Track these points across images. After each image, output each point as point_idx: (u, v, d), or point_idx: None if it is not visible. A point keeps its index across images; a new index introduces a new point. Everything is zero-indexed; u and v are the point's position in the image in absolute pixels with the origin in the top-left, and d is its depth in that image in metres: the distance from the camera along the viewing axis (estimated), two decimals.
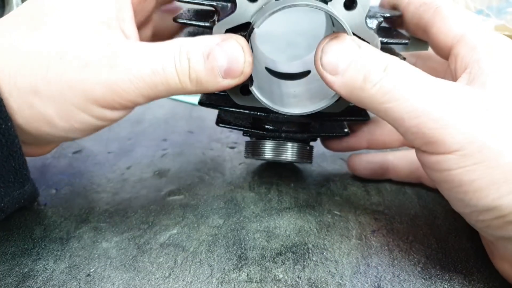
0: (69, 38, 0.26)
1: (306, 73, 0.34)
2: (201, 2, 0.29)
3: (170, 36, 0.36)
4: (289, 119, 0.33)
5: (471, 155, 0.24)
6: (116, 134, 0.43)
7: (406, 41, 0.30)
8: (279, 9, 0.26)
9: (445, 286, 0.28)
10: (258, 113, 0.32)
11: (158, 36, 0.35)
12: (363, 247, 0.31)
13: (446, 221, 0.34)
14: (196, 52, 0.27)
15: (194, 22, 0.30)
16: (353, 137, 0.37)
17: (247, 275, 0.29)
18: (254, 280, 0.28)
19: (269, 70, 0.35)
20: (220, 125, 0.35)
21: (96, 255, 0.30)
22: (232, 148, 0.43)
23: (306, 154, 0.36)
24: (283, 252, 0.31)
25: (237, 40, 0.27)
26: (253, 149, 0.36)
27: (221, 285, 0.28)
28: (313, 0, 0.27)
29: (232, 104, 0.32)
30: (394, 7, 0.33)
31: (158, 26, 0.35)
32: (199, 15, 0.31)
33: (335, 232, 0.32)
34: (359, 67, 0.26)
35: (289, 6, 0.26)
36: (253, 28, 0.27)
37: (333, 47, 0.27)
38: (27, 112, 0.26)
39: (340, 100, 0.30)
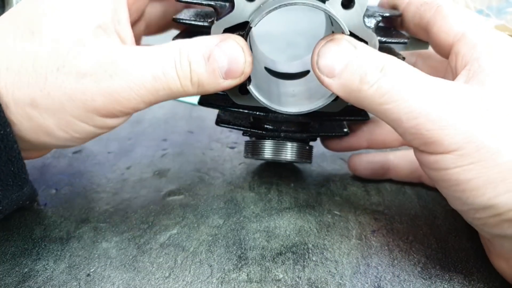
0: (66, 47, 0.25)
1: (305, 73, 0.34)
2: (199, 1, 0.29)
3: (163, 26, 0.36)
4: (289, 118, 0.33)
5: (468, 155, 0.24)
6: (116, 134, 0.43)
7: (405, 41, 0.30)
8: (276, 8, 0.26)
9: (445, 286, 0.28)
10: (257, 113, 0.32)
11: (151, 28, 0.35)
12: (363, 247, 0.31)
13: (446, 221, 0.34)
14: (197, 55, 0.26)
15: (193, 22, 0.30)
16: (353, 137, 0.37)
17: (247, 275, 0.29)
18: (254, 280, 0.28)
19: (268, 70, 0.35)
20: (220, 124, 0.35)
21: (96, 255, 0.30)
22: (232, 148, 0.43)
23: (305, 154, 0.36)
24: (283, 252, 0.31)
25: (236, 40, 0.27)
26: (252, 149, 0.36)
27: (221, 285, 0.28)
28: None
29: (231, 104, 0.32)
30: (394, 7, 0.33)
31: (150, 18, 0.35)
32: (199, 15, 0.31)
33: (335, 232, 0.32)
34: (355, 68, 0.26)
35: (286, 5, 0.26)
36: (250, 27, 0.27)
37: (328, 50, 0.27)
38: (25, 124, 0.26)
39: (339, 99, 0.30)
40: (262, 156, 0.35)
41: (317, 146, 0.38)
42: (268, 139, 0.35)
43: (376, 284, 0.28)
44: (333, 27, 0.31)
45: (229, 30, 0.28)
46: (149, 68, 0.26)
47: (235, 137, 0.44)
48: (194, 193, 0.36)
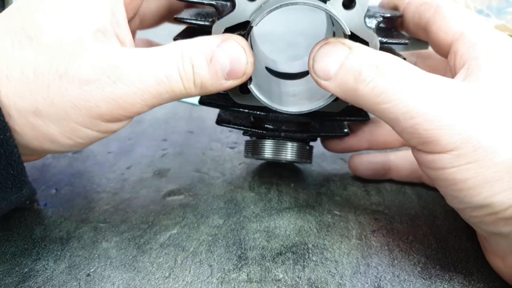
0: (67, 53, 0.25)
1: (306, 73, 0.34)
2: (201, 1, 0.29)
3: (157, 20, 0.36)
4: (289, 118, 0.33)
5: (465, 155, 0.24)
6: (116, 134, 0.43)
7: (406, 41, 0.30)
8: (277, 7, 0.26)
9: (445, 286, 0.28)
10: (258, 112, 0.32)
11: (145, 22, 0.35)
12: (363, 247, 0.31)
13: (446, 221, 0.34)
14: (199, 57, 0.26)
15: (194, 21, 0.30)
16: (354, 138, 0.37)
17: (247, 275, 0.29)
18: (254, 280, 0.28)
19: (269, 70, 0.35)
20: (221, 124, 0.35)
21: (96, 255, 0.30)
22: (232, 148, 0.43)
23: (305, 154, 0.36)
24: (283, 252, 0.31)
25: (238, 41, 0.27)
26: (253, 149, 0.36)
27: (221, 285, 0.28)
28: None
29: (232, 103, 0.32)
30: (394, 8, 0.33)
31: (144, 13, 0.35)
32: (200, 14, 0.31)
33: (335, 232, 0.32)
34: (349, 68, 0.26)
35: (287, 4, 0.26)
36: (251, 27, 0.27)
37: (323, 54, 0.27)
38: (29, 132, 0.25)
39: (339, 99, 0.30)
40: (263, 156, 0.35)
41: (317, 146, 0.38)
42: (269, 138, 0.35)
43: (376, 284, 0.28)
44: (334, 28, 0.31)
45: (230, 29, 0.28)
46: (152, 73, 0.25)
47: (235, 137, 0.44)
48: (194, 193, 0.36)
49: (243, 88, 0.30)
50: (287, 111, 0.30)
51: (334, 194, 0.37)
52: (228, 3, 0.29)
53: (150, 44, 0.38)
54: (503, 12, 0.50)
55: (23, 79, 0.24)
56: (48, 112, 0.25)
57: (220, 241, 0.31)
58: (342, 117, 0.34)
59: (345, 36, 0.28)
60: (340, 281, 0.28)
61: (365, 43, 0.28)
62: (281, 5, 0.26)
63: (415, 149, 0.26)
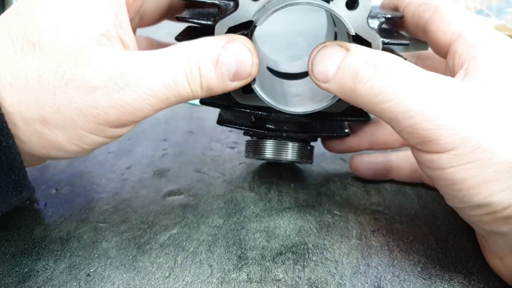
0: (72, 59, 0.24)
1: (307, 73, 0.34)
2: (204, 0, 0.29)
3: (156, 18, 0.35)
4: (290, 118, 0.33)
5: (464, 155, 0.24)
6: None
7: (407, 42, 0.30)
8: (282, 7, 0.26)
9: (445, 286, 0.28)
10: (260, 112, 0.32)
11: (144, 20, 0.35)
12: (363, 247, 0.31)
13: (446, 221, 0.34)
14: (206, 60, 0.26)
15: (196, 20, 0.30)
16: (354, 138, 0.37)
17: (247, 275, 0.29)
18: (254, 280, 0.28)
19: (270, 70, 0.35)
20: (222, 124, 0.35)
21: (96, 255, 0.30)
22: (232, 148, 0.43)
23: (306, 154, 0.36)
24: (283, 252, 0.31)
25: (243, 42, 0.27)
26: (254, 149, 0.36)
27: (221, 285, 0.28)
28: None
29: (233, 103, 0.32)
30: (395, 8, 0.33)
31: (144, 12, 0.35)
32: (202, 14, 0.31)
33: (335, 232, 0.32)
34: (346, 69, 0.26)
35: (292, 4, 0.26)
36: (255, 26, 0.27)
37: (321, 57, 0.27)
38: (35, 141, 0.25)
39: (341, 100, 0.30)
40: (264, 156, 0.35)
41: (318, 146, 0.38)
42: (270, 139, 0.35)
43: (376, 284, 0.28)
44: (336, 28, 0.31)
45: (232, 29, 0.28)
46: (160, 77, 0.25)
47: (235, 137, 0.44)
48: (194, 193, 0.36)
49: (246, 88, 0.30)
50: (291, 111, 0.30)
51: (334, 194, 0.37)
52: (231, 3, 0.29)
53: (150, 41, 0.38)
54: (503, 12, 0.50)
55: (28, 87, 0.24)
56: (55, 120, 0.24)
57: (220, 241, 0.31)
58: (343, 118, 0.34)
59: (349, 36, 0.28)
60: (340, 281, 0.28)
61: (368, 44, 0.28)
62: (286, 4, 0.26)
63: (414, 148, 0.26)
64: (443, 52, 0.29)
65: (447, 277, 0.29)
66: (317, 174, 0.39)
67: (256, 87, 0.29)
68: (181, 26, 0.33)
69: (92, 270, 0.29)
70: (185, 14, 0.30)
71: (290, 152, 0.35)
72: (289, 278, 0.29)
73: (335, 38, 0.33)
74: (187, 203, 0.35)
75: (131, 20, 0.31)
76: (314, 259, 0.30)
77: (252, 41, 0.28)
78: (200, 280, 0.28)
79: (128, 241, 0.31)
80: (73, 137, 0.25)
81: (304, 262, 0.30)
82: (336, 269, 0.29)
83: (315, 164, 0.40)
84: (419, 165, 0.27)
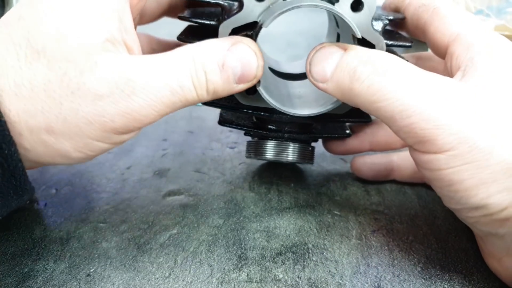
0: (77, 67, 0.24)
1: None
2: (208, 0, 0.29)
3: (156, 16, 0.35)
4: (292, 119, 0.33)
5: (461, 156, 0.24)
6: None
7: (410, 44, 0.30)
8: (289, 9, 0.26)
9: (445, 286, 0.28)
10: (262, 113, 0.32)
11: (144, 18, 0.34)
12: (363, 247, 0.31)
13: (446, 221, 0.34)
14: (212, 64, 0.26)
15: (199, 20, 0.29)
16: (356, 139, 0.37)
17: (247, 275, 0.29)
18: (254, 280, 0.28)
19: (272, 70, 0.35)
20: (223, 124, 0.35)
21: (96, 255, 0.30)
22: (232, 148, 0.43)
23: (307, 154, 0.36)
24: (283, 252, 0.31)
25: (248, 44, 0.27)
26: (255, 149, 0.36)
27: (221, 285, 0.28)
28: (322, 1, 0.27)
29: (235, 103, 0.32)
30: (396, 10, 0.33)
31: (144, 9, 0.34)
32: (204, 13, 0.31)
33: (335, 232, 0.32)
34: (344, 67, 0.26)
35: (298, 7, 0.26)
36: (261, 28, 0.27)
37: (318, 57, 0.27)
38: (40, 149, 0.25)
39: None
40: (266, 157, 0.35)
41: (318, 146, 0.38)
42: (272, 139, 0.35)
43: (376, 284, 0.28)
44: (338, 29, 0.31)
45: (236, 29, 0.28)
46: (166, 83, 0.25)
47: (235, 137, 0.44)
48: (194, 193, 0.36)
49: (249, 89, 0.30)
50: (296, 113, 0.30)
51: (334, 194, 0.37)
52: (236, 3, 0.28)
53: (150, 39, 0.37)
54: (503, 12, 0.50)
55: (33, 96, 0.24)
56: (61, 129, 0.24)
57: (220, 241, 0.31)
58: (344, 119, 0.34)
59: (354, 39, 0.28)
60: (340, 281, 0.28)
61: (371, 46, 0.28)
62: (293, 7, 0.26)
63: (412, 148, 0.26)
64: (441, 53, 0.29)
65: (447, 277, 0.29)
66: (317, 174, 0.39)
67: (261, 89, 0.29)
68: (181, 25, 0.32)
69: (92, 270, 0.29)
70: (187, 13, 0.30)
71: (291, 153, 0.35)
72: (289, 278, 0.29)
73: (338, 40, 0.33)
74: (187, 203, 0.35)
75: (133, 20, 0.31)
76: (314, 259, 0.30)
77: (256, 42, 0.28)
78: (200, 280, 0.28)
79: (128, 241, 0.31)
80: (79, 145, 0.25)
81: (304, 262, 0.30)
82: (336, 269, 0.29)
83: (315, 164, 0.40)
84: (417, 166, 0.27)
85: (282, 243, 0.31)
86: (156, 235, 0.32)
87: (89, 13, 0.25)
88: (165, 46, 0.37)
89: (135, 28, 0.35)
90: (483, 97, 0.24)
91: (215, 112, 0.36)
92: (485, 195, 0.24)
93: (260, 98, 0.30)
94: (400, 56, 0.31)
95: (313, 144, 0.37)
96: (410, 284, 0.28)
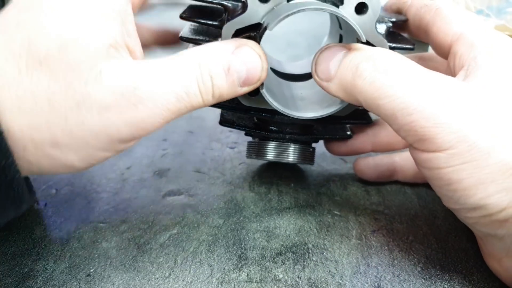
0: (82, 77, 0.23)
1: (311, 74, 0.34)
2: (211, 0, 0.29)
3: (143, 4, 0.33)
4: (293, 121, 0.32)
5: (460, 155, 0.24)
6: None
7: (412, 46, 0.30)
8: (294, 12, 0.26)
9: (445, 286, 0.28)
10: (264, 114, 0.32)
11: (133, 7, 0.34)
12: (363, 247, 0.31)
13: (446, 221, 0.34)
14: (217, 68, 0.26)
15: (201, 20, 0.29)
16: (358, 141, 0.36)
17: (247, 275, 0.29)
18: (254, 280, 0.28)
19: (274, 71, 0.34)
20: (224, 124, 0.35)
21: (96, 255, 0.30)
22: (232, 148, 0.43)
23: (308, 155, 0.36)
24: (283, 252, 0.31)
25: (253, 47, 0.27)
26: (255, 150, 0.36)
27: (221, 285, 0.28)
28: (326, 4, 0.27)
29: (236, 104, 0.32)
30: (398, 11, 0.33)
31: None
32: (205, 12, 0.30)
33: (335, 232, 0.32)
34: (347, 65, 0.26)
35: (304, 10, 0.26)
36: (265, 30, 0.27)
37: (323, 57, 0.27)
38: (45, 162, 0.24)
39: (348, 104, 0.30)
40: (266, 157, 0.35)
41: (318, 146, 0.38)
42: (272, 140, 0.35)
43: (376, 284, 0.28)
44: (341, 31, 0.31)
45: (239, 30, 0.28)
46: (172, 90, 0.25)
47: (235, 137, 0.44)
48: (194, 193, 0.36)
49: (252, 91, 0.30)
50: (300, 116, 0.30)
51: (334, 194, 0.37)
52: (239, 4, 0.28)
53: (140, 28, 0.36)
54: (503, 12, 0.50)
55: (37, 110, 0.22)
56: (67, 143, 0.23)
57: (220, 241, 0.31)
58: (345, 120, 0.34)
59: (358, 42, 0.28)
60: (340, 281, 0.28)
61: None
62: (298, 10, 0.26)
63: (412, 147, 0.26)
64: (444, 53, 0.29)
65: (447, 277, 0.29)
66: (317, 174, 0.39)
67: (264, 92, 0.29)
68: (181, 24, 0.32)
69: (92, 270, 0.29)
70: (188, 13, 0.30)
71: (292, 153, 0.35)
72: (289, 278, 0.29)
73: (340, 41, 0.33)
74: (187, 203, 0.35)
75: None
76: (314, 259, 0.30)
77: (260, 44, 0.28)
78: (200, 280, 0.28)
79: (128, 241, 0.31)
80: (84, 156, 0.25)
81: (304, 262, 0.30)
82: (336, 269, 0.29)
83: (315, 164, 0.40)
84: (416, 165, 0.27)
85: (282, 243, 0.31)
86: (156, 235, 0.32)
87: (92, 16, 0.24)
88: (152, 33, 0.36)
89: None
90: (484, 96, 0.24)
91: (215, 112, 0.36)
92: (484, 195, 0.24)
93: (262, 99, 0.29)
94: None
95: (313, 144, 0.37)
96: (410, 284, 0.28)
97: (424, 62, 0.34)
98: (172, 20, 0.35)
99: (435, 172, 0.25)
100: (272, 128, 0.34)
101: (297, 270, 0.29)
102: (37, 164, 0.24)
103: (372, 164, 0.37)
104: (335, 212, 0.34)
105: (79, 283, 0.28)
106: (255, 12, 0.27)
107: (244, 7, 0.27)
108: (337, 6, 0.27)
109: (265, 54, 0.27)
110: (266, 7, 0.27)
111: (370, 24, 0.28)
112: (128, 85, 0.23)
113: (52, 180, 0.38)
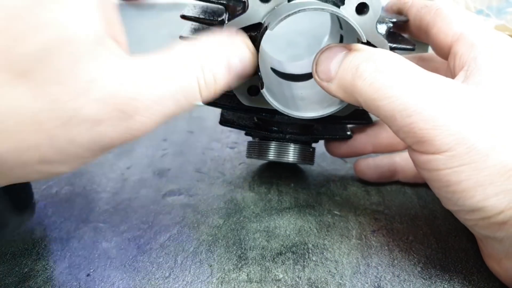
0: (71, 90, 0.20)
1: (312, 74, 0.34)
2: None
3: None
4: (294, 121, 0.32)
5: (459, 156, 0.24)
6: None
7: (413, 47, 0.30)
8: (295, 12, 0.26)
9: (445, 286, 0.28)
10: (264, 114, 0.32)
11: None
12: (363, 247, 0.31)
13: (446, 221, 0.34)
14: (221, 68, 0.25)
15: (203, 20, 0.29)
16: (358, 141, 0.36)
17: (247, 275, 0.29)
18: (254, 280, 0.28)
19: (274, 71, 0.34)
20: (224, 124, 0.35)
21: (96, 255, 0.30)
22: (232, 148, 0.43)
23: (308, 155, 0.36)
24: (283, 252, 0.31)
25: (243, 40, 0.27)
26: (256, 150, 0.36)
27: (221, 285, 0.28)
28: (327, 4, 0.27)
29: (236, 103, 0.32)
30: (398, 12, 0.33)
31: None
32: (206, 11, 0.30)
33: (335, 232, 0.32)
34: (347, 65, 0.26)
35: (304, 10, 0.26)
36: (266, 30, 0.27)
37: (324, 57, 0.27)
38: (34, 177, 0.22)
39: (348, 104, 0.30)
40: (266, 157, 0.35)
41: (318, 146, 0.38)
42: (273, 140, 0.35)
43: (376, 284, 0.28)
44: (342, 31, 0.31)
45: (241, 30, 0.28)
46: (171, 95, 0.23)
47: (235, 137, 0.44)
48: (194, 193, 0.36)
49: (252, 91, 0.30)
50: (300, 116, 0.30)
51: (334, 194, 0.37)
52: (240, 3, 0.28)
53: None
54: (503, 12, 0.50)
55: (22, 129, 0.20)
56: (57, 159, 0.21)
57: (220, 241, 0.31)
58: (345, 120, 0.34)
59: (359, 42, 0.28)
60: (340, 281, 0.28)
61: None
62: (299, 10, 0.26)
63: (411, 149, 0.26)
64: (444, 53, 0.29)
65: (447, 277, 0.29)
66: (317, 174, 0.39)
67: (265, 91, 0.29)
68: (181, 24, 0.32)
69: (92, 270, 0.29)
70: (189, 12, 0.30)
71: (292, 153, 0.35)
72: (289, 278, 0.29)
73: (341, 41, 0.33)
74: (187, 203, 0.35)
75: None
76: (314, 259, 0.30)
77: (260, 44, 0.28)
78: (200, 280, 0.28)
79: (128, 241, 0.31)
80: (75, 166, 0.23)
81: (304, 262, 0.30)
82: (336, 269, 0.29)
83: (315, 164, 0.40)
84: (415, 167, 0.27)
85: (282, 243, 0.31)
86: (156, 235, 0.32)
87: (72, 10, 0.20)
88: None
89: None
90: (484, 97, 0.24)
91: (215, 112, 0.36)
92: (482, 197, 0.24)
93: (262, 99, 0.29)
94: None
95: (313, 144, 0.37)
96: (410, 284, 0.28)
97: (424, 63, 0.34)
98: (172, 20, 0.36)
99: (434, 174, 0.25)
100: (272, 128, 0.34)
101: (297, 270, 0.29)
102: (26, 178, 0.23)
103: (372, 165, 0.37)
104: (335, 212, 0.34)
105: (79, 283, 0.28)
106: (255, 12, 0.27)
107: (245, 7, 0.27)
108: (338, 6, 0.27)
109: (253, 47, 0.27)
110: (267, 7, 0.27)
111: (370, 24, 0.28)
112: (123, 95, 0.21)
113: (52, 180, 0.38)
